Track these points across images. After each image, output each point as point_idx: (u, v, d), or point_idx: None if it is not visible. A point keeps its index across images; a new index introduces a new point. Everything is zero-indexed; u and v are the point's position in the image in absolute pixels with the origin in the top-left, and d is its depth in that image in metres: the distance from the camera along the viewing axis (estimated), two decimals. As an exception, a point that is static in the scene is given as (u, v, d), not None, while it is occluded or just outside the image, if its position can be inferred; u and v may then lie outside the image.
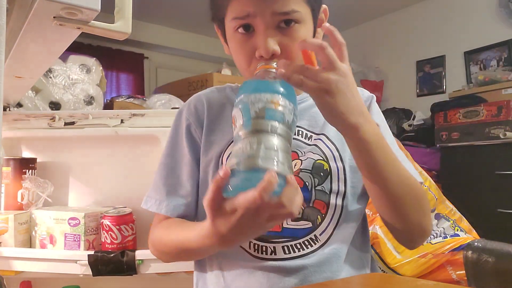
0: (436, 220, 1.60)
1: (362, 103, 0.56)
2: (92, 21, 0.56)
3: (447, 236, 1.51)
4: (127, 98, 1.62)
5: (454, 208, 1.65)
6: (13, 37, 0.64)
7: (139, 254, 0.99)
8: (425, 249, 1.42)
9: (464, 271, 0.78)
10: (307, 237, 0.68)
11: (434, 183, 1.69)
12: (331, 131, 0.72)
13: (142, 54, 4.23)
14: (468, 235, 1.52)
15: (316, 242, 0.68)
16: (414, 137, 2.96)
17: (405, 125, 3.09)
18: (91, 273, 0.98)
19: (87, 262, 0.97)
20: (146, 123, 1.17)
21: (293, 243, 0.68)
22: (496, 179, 2.38)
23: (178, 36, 4.26)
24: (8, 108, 1.17)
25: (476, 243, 0.79)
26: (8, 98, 1.14)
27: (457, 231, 1.55)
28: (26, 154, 1.19)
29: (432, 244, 1.44)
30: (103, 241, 1.04)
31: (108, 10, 0.60)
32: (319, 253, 0.68)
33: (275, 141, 0.51)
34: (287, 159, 0.51)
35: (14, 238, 1.02)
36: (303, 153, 0.71)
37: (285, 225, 0.69)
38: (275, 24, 0.62)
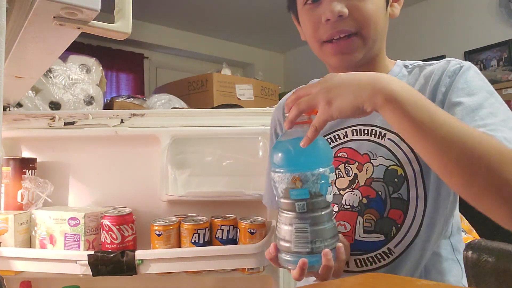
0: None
1: (370, 77, 0.52)
2: (92, 21, 0.56)
3: (447, 236, 1.51)
4: (127, 98, 1.62)
5: (454, 208, 1.65)
6: (13, 37, 0.64)
7: (139, 254, 0.99)
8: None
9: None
10: (380, 251, 0.65)
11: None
12: None
13: (142, 54, 4.23)
14: (468, 235, 1.52)
15: (389, 256, 0.65)
16: (414, 137, 2.96)
17: (405, 125, 3.09)
18: (91, 273, 0.98)
19: (87, 262, 0.97)
20: (146, 123, 1.17)
21: (364, 256, 0.66)
22: (496, 179, 2.38)
23: (178, 36, 4.26)
24: (8, 108, 1.17)
25: (476, 243, 0.79)
26: (8, 98, 1.14)
27: (457, 231, 1.55)
28: (26, 154, 1.19)
29: (432, 244, 1.44)
30: (103, 241, 1.04)
31: (108, 10, 0.60)
32: (395, 266, 0.65)
33: (303, 223, 0.55)
34: (319, 233, 0.55)
35: (14, 238, 1.02)
36: (374, 155, 0.67)
37: (357, 237, 0.67)
38: None
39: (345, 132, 0.71)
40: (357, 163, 0.69)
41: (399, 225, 0.64)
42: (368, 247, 0.66)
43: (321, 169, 0.54)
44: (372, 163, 0.67)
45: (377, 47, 0.70)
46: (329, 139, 0.73)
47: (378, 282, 0.46)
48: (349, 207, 0.68)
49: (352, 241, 0.67)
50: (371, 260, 0.66)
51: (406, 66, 0.74)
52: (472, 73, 0.63)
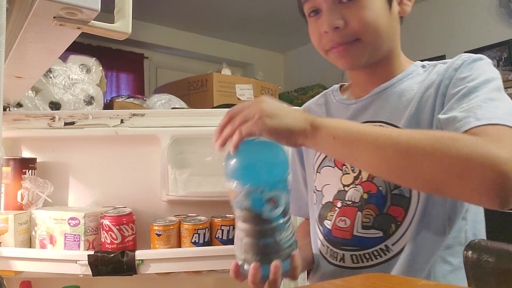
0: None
1: (304, 114, 0.56)
2: (92, 21, 0.55)
3: (447, 236, 1.51)
4: (127, 98, 1.62)
5: (454, 208, 1.65)
6: (13, 37, 0.64)
7: (139, 254, 0.99)
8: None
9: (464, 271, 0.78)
10: (377, 247, 0.65)
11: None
12: (412, 122, 0.64)
13: (142, 54, 4.23)
14: (468, 235, 1.52)
15: (387, 253, 0.64)
16: (414, 137, 2.96)
17: (405, 125, 3.09)
18: (91, 273, 0.98)
19: (87, 262, 0.97)
20: (146, 123, 1.17)
21: (361, 252, 0.66)
22: (496, 179, 2.38)
23: (178, 36, 4.26)
24: (8, 108, 1.17)
25: (476, 243, 0.79)
26: (8, 98, 1.14)
27: (457, 231, 1.55)
28: (26, 154, 1.19)
29: (432, 244, 1.44)
30: (103, 241, 1.04)
31: (108, 10, 0.60)
32: (391, 263, 0.64)
33: (241, 233, 0.56)
34: (251, 245, 0.55)
35: (14, 238, 1.02)
36: None
37: (354, 233, 0.67)
38: (338, 1, 0.65)
39: None
40: None
41: (399, 222, 0.64)
42: (365, 243, 0.66)
43: (256, 186, 0.52)
44: None
45: (385, 48, 0.70)
46: None
47: (379, 282, 0.46)
48: (351, 202, 0.69)
49: (350, 237, 0.67)
50: (368, 257, 0.66)
51: (423, 66, 0.74)
52: (481, 63, 0.63)
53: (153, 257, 1.00)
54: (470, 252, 0.76)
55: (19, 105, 1.29)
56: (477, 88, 0.57)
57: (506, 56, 2.97)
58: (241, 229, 0.55)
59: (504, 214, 2.32)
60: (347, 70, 0.73)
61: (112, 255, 0.98)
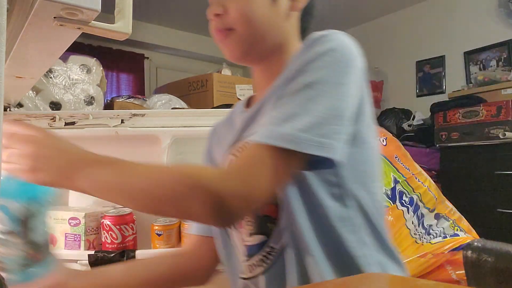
0: (435, 220, 1.60)
1: (73, 157, 0.57)
2: (93, 22, 0.56)
3: (447, 236, 1.51)
4: (128, 98, 1.62)
5: (454, 208, 1.66)
6: (13, 37, 0.64)
7: (139, 254, 1.00)
8: (425, 249, 1.42)
9: (463, 271, 0.78)
10: (263, 252, 0.63)
11: (433, 183, 1.69)
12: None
13: (143, 54, 4.23)
14: (467, 235, 1.52)
15: (272, 254, 0.62)
16: (414, 137, 2.96)
17: (405, 125, 3.09)
18: (91, 273, 0.98)
19: (87, 262, 0.98)
20: (146, 123, 1.17)
21: (253, 260, 0.65)
22: (495, 179, 2.39)
23: (178, 36, 4.26)
24: (8, 108, 1.17)
25: (475, 243, 0.79)
26: (9, 98, 1.14)
27: (457, 231, 1.55)
28: (27, 154, 1.19)
29: (432, 244, 1.45)
30: (104, 241, 1.04)
31: (108, 10, 0.60)
32: (281, 262, 0.61)
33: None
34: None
35: (15, 238, 1.02)
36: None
37: (245, 243, 0.66)
38: None
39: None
40: None
41: (275, 219, 0.62)
42: (253, 251, 0.64)
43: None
44: None
45: (269, 42, 0.67)
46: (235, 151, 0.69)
47: (378, 282, 0.46)
48: None
49: (245, 248, 0.66)
50: (258, 264, 0.64)
51: None
52: (325, 58, 0.57)
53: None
54: (469, 252, 0.77)
55: (19, 105, 1.29)
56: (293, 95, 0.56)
57: (505, 56, 2.97)
58: None
59: (504, 214, 2.32)
60: (232, 61, 0.70)
61: (113, 255, 0.98)
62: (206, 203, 0.49)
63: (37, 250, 0.59)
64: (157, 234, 1.03)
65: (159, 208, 0.54)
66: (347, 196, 0.59)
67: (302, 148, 0.51)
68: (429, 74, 3.44)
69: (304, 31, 0.71)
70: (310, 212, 0.59)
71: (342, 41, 0.59)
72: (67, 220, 1.02)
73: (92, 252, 0.99)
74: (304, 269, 0.58)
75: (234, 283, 0.71)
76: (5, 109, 1.16)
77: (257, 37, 0.66)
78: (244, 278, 0.67)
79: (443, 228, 1.56)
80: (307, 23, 0.71)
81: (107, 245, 1.03)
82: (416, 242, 1.47)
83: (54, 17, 0.54)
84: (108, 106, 1.58)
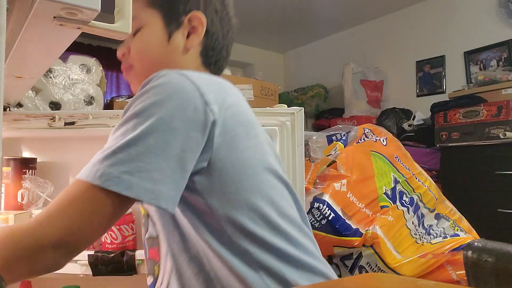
0: (436, 220, 1.60)
1: None
2: (92, 21, 0.56)
3: (447, 236, 1.51)
4: (127, 98, 1.62)
5: (454, 208, 1.66)
6: (13, 37, 0.64)
7: (139, 254, 1.00)
8: (425, 249, 1.42)
9: (464, 271, 0.78)
10: None
11: (434, 183, 1.69)
12: None
13: (142, 54, 4.23)
14: (468, 235, 1.52)
15: None
16: (414, 137, 2.96)
17: (405, 125, 3.09)
18: (91, 273, 0.98)
19: (87, 262, 0.97)
20: (146, 123, 1.17)
21: None
22: (496, 179, 2.39)
23: (178, 36, 4.26)
24: (8, 108, 1.17)
25: (476, 243, 0.79)
26: (9, 98, 1.14)
27: (457, 231, 1.55)
28: (26, 154, 1.19)
29: (432, 244, 1.44)
30: (103, 241, 1.04)
31: (108, 10, 0.60)
32: None
33: None
34: None
35: (14, 238, 1.02)
36: None
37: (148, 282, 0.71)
38: (132, 34, 0.72)
39: None
40: None
41: (158, 263, 0.66)
42: None
43: None
44: None
45: None
46: None
47: (379, 282, 0.46)
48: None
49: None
50: None
51: None
52: (139, 98, 0.56)
53: (153, 257, 1.00)
54: (470, 252, 0.77)
55: (19, 105, 1.29)
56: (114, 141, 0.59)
57: (506, 56, 2.97)
58: None
59: (505, 214, 2.32)
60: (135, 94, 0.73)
61: (112, 255, 0.98)
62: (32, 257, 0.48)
63: None
64: (157, 234, 1.03)
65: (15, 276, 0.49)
66: (222, 228, 0.56)
67: (108, 186, 0.51)
68: (429, 74, 3.44)
69: (210, 65, 0.77)
70: (186, 253, 0.59)
71: (168, 78, 0.57)
72: (67, 220, 1.02)
73: (92, 252, 0.99)
74: None
75: None
76: (4, 109, 1.16)
77: (153, 72, 0.62)
78: None
79: (444, 228, 1.56)
80: (211, 58, 0.77)
81: (106, 245, 1.03)
82: (417, 242, 1.47)
83: (54, 17, 0.53)
84: (108, 106, 1.58)
